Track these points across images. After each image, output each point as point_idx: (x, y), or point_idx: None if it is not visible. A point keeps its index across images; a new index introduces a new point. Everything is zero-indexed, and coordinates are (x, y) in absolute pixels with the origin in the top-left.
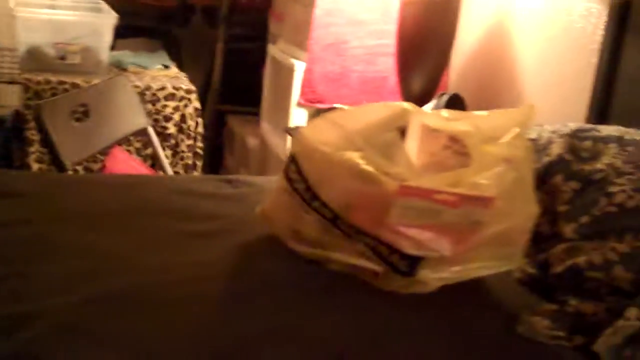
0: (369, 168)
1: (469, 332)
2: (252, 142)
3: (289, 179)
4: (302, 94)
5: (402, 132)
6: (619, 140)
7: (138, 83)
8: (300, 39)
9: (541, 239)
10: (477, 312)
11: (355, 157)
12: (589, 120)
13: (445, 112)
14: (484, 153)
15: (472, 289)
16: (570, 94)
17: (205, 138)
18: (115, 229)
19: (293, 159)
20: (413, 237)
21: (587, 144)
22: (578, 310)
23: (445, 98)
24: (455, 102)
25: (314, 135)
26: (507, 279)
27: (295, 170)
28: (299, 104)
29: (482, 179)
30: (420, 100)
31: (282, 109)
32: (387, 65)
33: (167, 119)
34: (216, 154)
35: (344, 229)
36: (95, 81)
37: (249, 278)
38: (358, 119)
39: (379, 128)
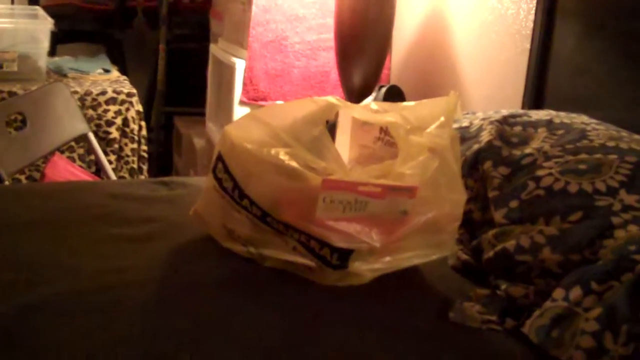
0: (294, 164)
1: (403, 320)
2: (198, 142)
3: (218, 179)
4: (245, 92)
5: (332, 127)
6: (549, 124)
7: (77, 89)
8: (240, 37)
9: (474, 226)
10: (411, 300)
11: (280, 153)
12: (525, 105)
13: (374, 105)
14: (409, 143)
15: (407, 278)
16: (506, 80)
17: (153, 141)
18: (50, 236)
19: (220, 157)
20: (342, 230)
21: (517, 129)
22: (508, 293)
23: (383, 90)
24: (394, 94)
25: (240, 133)
26: (441, 266)
27: (222, 169)
28: (242, 103)
29: (406, 169)
30: (362, 94)
31: (226, 108)
32: (329, 60)
33: (109, 123)
34: (166, 157)
35: (275, 226)
36: (33, 88)
37: (181, 280)
38: (284, 116)
39: (306, 123)
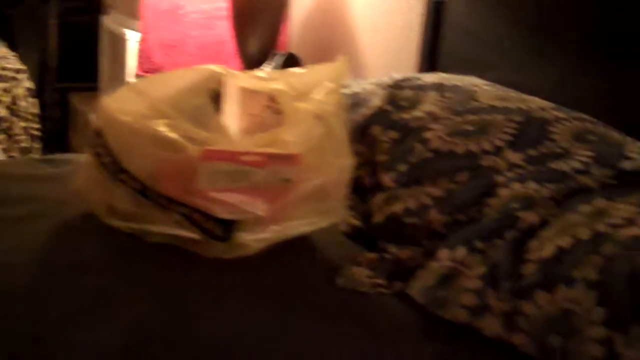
0: (173, 135)
1: (292, 289)
2: (94, 118)
3: (96, 154)
4: (140, 64)
5: (217, 96)
6: (439, 87)
7: None
8: (132, 8)
9: (364, 191)
10: (301, 269)
11: (158, 125)
12: (420, 69)
13: (261, 73)
14: (295, 110)
15: (297, 247)
16: (401, 45)
17: (46, 118)
18: None
19: (97, 131)
20: (225, 201)
21: (407, 93)
22: (396, 256)
23: (280, 59)
24: (291, 62)
25: (117, 106)
26: (333, 233)
27: (101, 144)
28: (138, 76)
29: (291, 137)
30: (259, 63)
31: (121, 82)
32: (225, 29)
33: None
34: (62, 135)
35: (156, 200)
36: None
37: (63, 260)
38: (165, 86)
39: (187, 93)
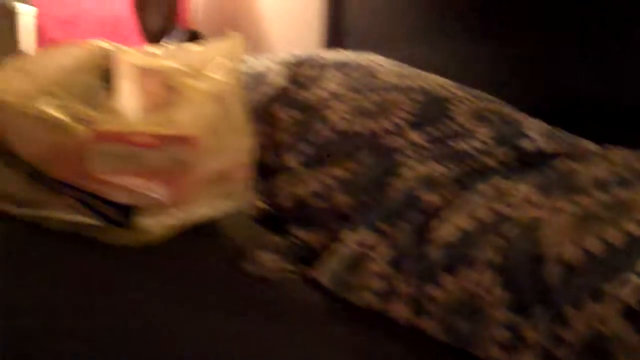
0: (60, 116)
1: (201, 277)
2: None
3: None
4: (35, 41)
5: (108, 73)
6: (341, 65)
7: None
8: None
9: (268, 172)
10: (205, 255)
11: (45, 105)
12: (323, 46)
13: (155, 49)
14: (190, 89)
15: (203, 233)
16: (305, 21)
17: None
18: None
19: None
20: (120, 184)
21: (308, 71)
22: (304, 240)
23: (182, 35)
24: (194, 39)
25: (1, 86)
26: (241, 217)
27: None
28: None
29: (185, 117)
30: (159, 38)
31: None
32: (124, 4)
33: None
34: None
35: (49, 184)
36: None
37: None
38: (52, 64)
39: (76, 72)
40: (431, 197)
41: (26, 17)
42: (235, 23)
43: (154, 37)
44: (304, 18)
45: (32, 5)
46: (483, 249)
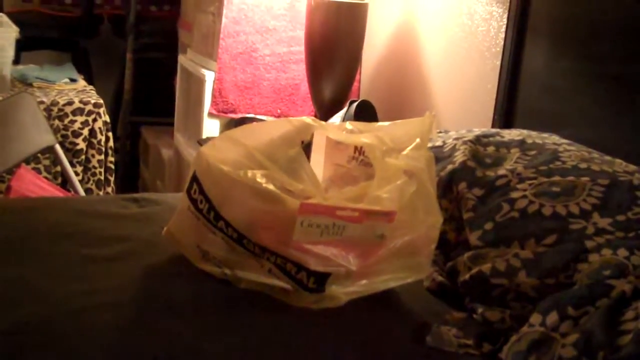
0: (271, 187)
1: (380, 344)
2: (166, 153)
3: (192, 199)
4: (214, 104)
5: (307, 146)
6: (521, 144)
7: (43, 99)
8: (209, 49)
9: (449, 247)
10: (386, 324)
11: (256, 175)
12: (495, 123)
13: (349, 125)
14: (386, 165)
15: (383, 300)
16: (477, 97)
17: (118, 151)
18: (16, 256)
19: (195, 178)
20: (319, 253)
21: (490, 149)
22: (485, 317)
23: (355, 105)
24: (365, 109)
25: (215, 154)
26: (417, 288)
27: (197, 190)
28: (211, 114)
29: (384, 193)
30: (332, 107)
31: (195, 119)
32: (299, 73)
33: (76, 134)
34: (132, 167)
35: (250, 248)
36: None
37: (151, 303)
38: (259, 136)
39: (282, 144)
40: (621, 285)
41: (208, 82)
42: (404, 94)
43: (326, 105)
44: (476, 95)
45: (212, 70)
46: None
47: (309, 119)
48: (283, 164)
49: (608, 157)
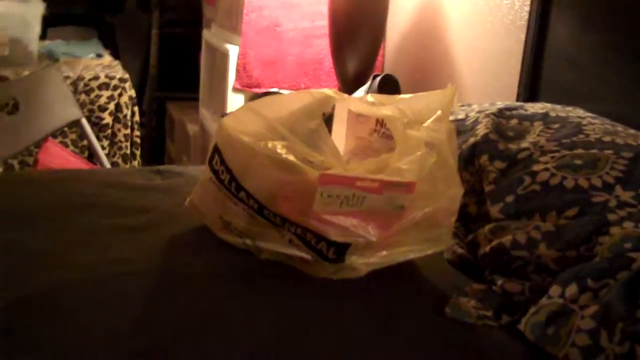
0: (291, 157)
1: (399, 315)
2: (192, 128)
3: (214, 170)
4: (238, 78)
5: (329, 119)
6: (545, 117)
7: (70, 73)
8: (233, 24)
9: (469, 220)
10: (406, 296)
11: (277, 146)
12: (520, 96)
13: (370, 97)
14: (407, 137)
15: (403, 272)
16: (501, 71)
17: (145, 125)
18: (43, 226)
19: (216, 149)
20: (339, 224)
21: (513, 122)
22: (504, 289)
23: (378, 79)
24: (389, 83)
25: (236, 125)
26: (437, 260)
27: (219, 161)
28: (235, 89)
29: (404, 164)
30: (356, 82)
31: (219, 94)
32: (323, 48)
33: (102, 108)
34: (158, 142)
35: (271, 219)
36: (25, 73)
37: (174, 272)
38: (281, 108)
39: (303, 116)
40: None
41: (232, 57)
42: (428, 68)
43: (350, 80)
44: (500, 69)
45: (237, 45)
46: None
47: (330, 91)
48: (304, 135)
49: (632, 131)
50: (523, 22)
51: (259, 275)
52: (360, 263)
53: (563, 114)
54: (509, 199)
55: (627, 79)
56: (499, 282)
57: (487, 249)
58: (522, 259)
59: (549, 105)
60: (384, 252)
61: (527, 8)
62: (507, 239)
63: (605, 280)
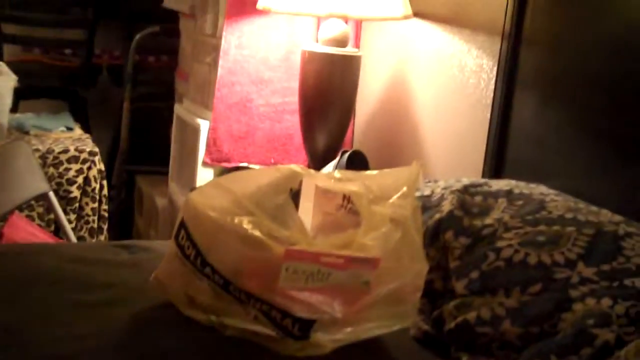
0: (257, 233)
1: None
2: (161, 202)
3: (180, 245)
4: (208, 153)
5: (297, 194)
6: (508, 194)
7: (39, 146)
8: (205, 98)
9: (435, 295)
10: None
11: (243, 221)
12: (485, 173)
13: (337, 173)
14: (372, 213)
15: (368, 349)
16: (467, 148)
17: (113, 199)
18: (6, 302)
19: (182, 224)
20: (304, 300)
21: (478, 199)
22: None
23: (347, 155)
24: (357, 159)
25: (203, 200)
26: (403, 337)
27: (185, 236)
28: (205, 164)
29: (369, 240)
30: (325, 157)
31: (189, 168)
32: (293, 123)
33: (71, 182)
34: (126, 216)
35: (236, 295)
36: None
37: (136, 349)
38: (248, 183)
39: (270, 191)
40: (605, 334)
41: (203, 131)
42: (396, 145)
43: (319, 155)
44: (466, 146)
45: (208, 120)
46: None
47: (297, 167)
48: (271, 211)
49: (594, 208)
50: (488, 102)
51: (224, 353)
52: (326, 340)
53: (527, 191)
54: (474, 274)
55: (589, 156)
56: (465, 359)
57: (452, 325)
58: (486, 335)
59: (513, 182)
60: (350, 329)
61: (492, 87)
62: (471, 316)
63: (568, 357)
